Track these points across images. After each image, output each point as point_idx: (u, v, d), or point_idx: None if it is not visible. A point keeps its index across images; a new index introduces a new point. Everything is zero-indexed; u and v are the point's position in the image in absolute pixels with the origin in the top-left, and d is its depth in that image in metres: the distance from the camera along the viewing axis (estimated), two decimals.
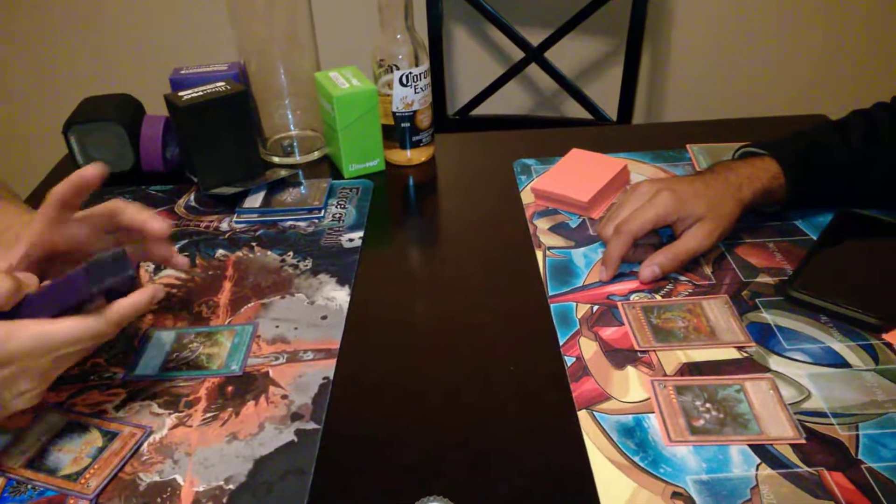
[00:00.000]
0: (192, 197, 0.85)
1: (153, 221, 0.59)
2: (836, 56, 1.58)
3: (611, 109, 1.45)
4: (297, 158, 0.92)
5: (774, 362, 0.57)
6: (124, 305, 0.52)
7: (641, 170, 0.84)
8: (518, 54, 1.46)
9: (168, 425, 0.55)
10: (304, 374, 0.59)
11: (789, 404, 0.54)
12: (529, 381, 0.58)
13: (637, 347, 0.60)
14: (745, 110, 1.62)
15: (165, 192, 0.86)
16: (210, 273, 0.71)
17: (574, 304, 0.65)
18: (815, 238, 0.71)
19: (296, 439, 0.53)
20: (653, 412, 0.54)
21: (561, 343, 0.61)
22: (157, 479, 0.51)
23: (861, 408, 0.53)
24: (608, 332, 0.62)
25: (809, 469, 0.49)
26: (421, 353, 0.61)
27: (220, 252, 0.74)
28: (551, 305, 0.65)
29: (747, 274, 0.67)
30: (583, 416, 0.54)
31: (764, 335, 0.60)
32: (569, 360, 0.59)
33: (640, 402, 0.55)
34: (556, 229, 0.75)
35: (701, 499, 0.47)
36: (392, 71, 0.83)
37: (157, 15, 1.58)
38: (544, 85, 1.65)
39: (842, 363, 0.57)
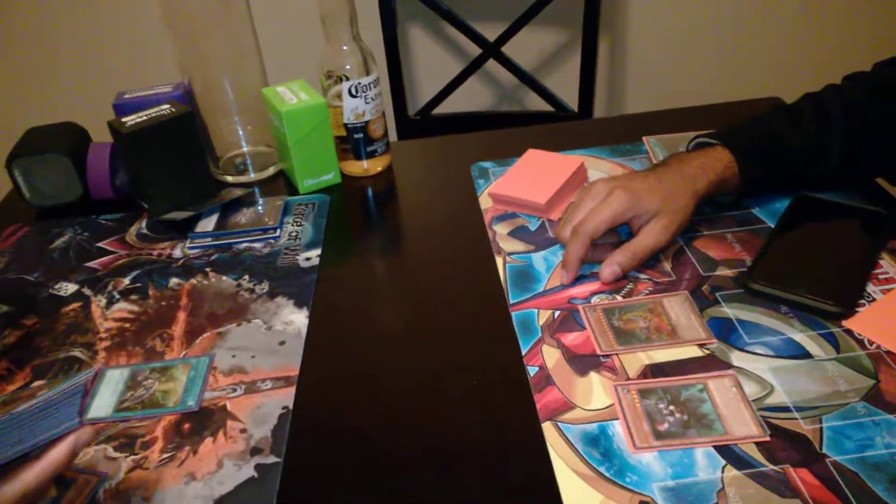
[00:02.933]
0: (143, 224, 0.83)
1: None
2: (796, 41, 1.59)
3: (571, 100, 1.44)
4: (251, 176, 0.90)
5: (736, 357, 0.57)
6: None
7: (599, 166, 0.84)
8: (476, 50, 1.45)
9: (124, 469, 0.53)
10: (263, 405, 0.57)
11: (753, 401, 0.53)
12: (493, 394, 0.57)
13: (600, 352, 0.59)
14: (705, 94, 1.62)
15: (116, 221, 0.84)
16: (163, 304, 0.70)
17: (536, 310, 0.64)
18: (772, 226, 0.70)
19: (256, 475, 0.52)
20: (617, 419, 0.53)
21: (523, 352, 0.60)
22: None
23: (824, 399, 0.53)
24: (570, 338, 0.61)
25: (774, 467, 0.48)
26: (382, 371, 0.60)
27: (174, 281, 0.73)
28: (513, 313, 0.64)
29: (706, 267, 0.67)
30: (547, 427, 0.53)
31: (725, 330, 0.60)
32: (532, 370, 0.58)
33: (604, 408, 0.54)
34: (515, 233, 0.75)
35: None
36: (340, 82, 0.82)
37: (97, 39, 1.55)
38: (504, 79, 1.64)
39: (803, 353, 0.57)
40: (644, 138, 0.87)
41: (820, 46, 1.59)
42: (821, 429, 0.51)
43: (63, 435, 0.43)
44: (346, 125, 0.84)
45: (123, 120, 0.79)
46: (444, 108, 1.51)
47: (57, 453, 0.42)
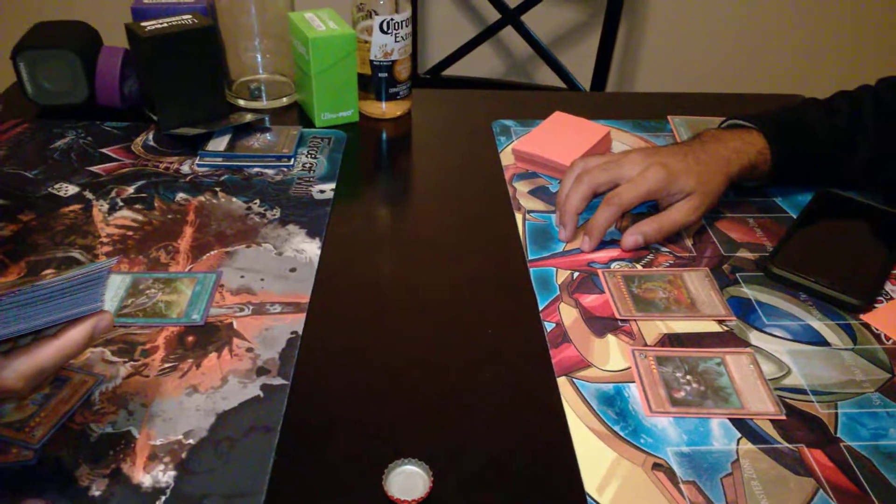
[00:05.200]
0: (150, 136, 0.80)
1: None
2: (818, 37, 1.58)
3: (583, 79, 1.43)
4: (263, 103, 0.87)
5: (755, 337, 0.57)
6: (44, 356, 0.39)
7: (623, 138, 0.82)
8: (494, 16, 1.43)
9: (122, 374, 0.51)
10: (271, 328, 0.55)
11: (769, 380, 0.53)
12: (508, 345, 0.56)
13: (618, 316, 0.58)
14: (714, 88, 1.62)
15: (121, 129, 0.81)
16: (169, 217, 0.67)
17: (554, 269, 0.63)
18: (794, 216, 0.70)
19: (262, 394, 0.50)
20: (633, 382, 0.53)
21: (540, 308, 0.59)
22: (109, 430, 0.47)
23: (840, 386, 0.52)
24: (589, 300, 0.60)
25: (790, 445, 0.48)
26: (395, 313, 0.59)
27: (181, 196, 0.70)
28: (531, 269, 0.63)
29: (727, 248, 0.66)
30: (562, 382, 0.52)
31: (744, 310, 0.59)
32: (548, 326, 0.57)
33: (620, 371, 0.53)
34: (535, 193, 0.73)
35: (682, 471, 0.46)
36: (372, 16, 0.79)
37: None
38: (518, 50, 1.62)
39: (821, 341, 0.56)
40: (669, 117, 0.86)
41: (843, 45, 1.58)
42: (836, 414, 0.50)
43: (83, 317, 0.40)
44: (371, 62, 0.81)
45: (142, 24, 0.75)
46: (452, 71, 1.48)
47: (75, 335, 0.39)
